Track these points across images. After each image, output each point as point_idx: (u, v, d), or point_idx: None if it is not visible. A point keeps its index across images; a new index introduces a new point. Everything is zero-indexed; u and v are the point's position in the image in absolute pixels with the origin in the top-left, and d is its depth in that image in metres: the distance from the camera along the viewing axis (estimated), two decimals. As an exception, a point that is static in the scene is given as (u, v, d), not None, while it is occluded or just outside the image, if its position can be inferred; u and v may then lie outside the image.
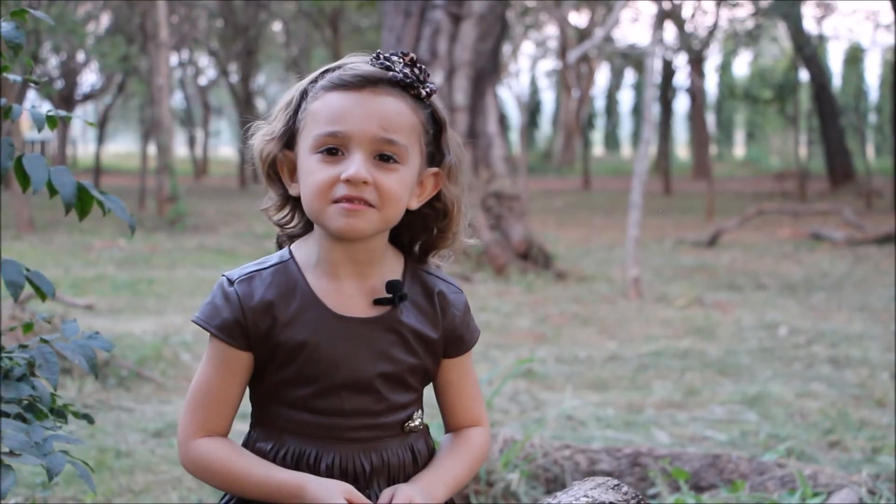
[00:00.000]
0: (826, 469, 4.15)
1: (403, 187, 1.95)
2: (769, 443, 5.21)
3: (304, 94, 1.99)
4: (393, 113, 1.94)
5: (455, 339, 2.07)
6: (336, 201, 1.91)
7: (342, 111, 1.93)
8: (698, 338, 8.25)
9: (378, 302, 1.99)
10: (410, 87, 1.97)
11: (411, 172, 1.97)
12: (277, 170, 2.03)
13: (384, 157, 1.93)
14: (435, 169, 2.02)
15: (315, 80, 1.99)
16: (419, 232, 2.06)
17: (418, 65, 1.99)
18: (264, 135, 2.02)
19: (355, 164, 1.90)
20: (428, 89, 1.99)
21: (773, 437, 5.34)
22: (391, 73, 1.96)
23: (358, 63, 1.98)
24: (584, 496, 2.15)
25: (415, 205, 2.01)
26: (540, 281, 11.46)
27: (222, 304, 1.97)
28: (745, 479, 4.07)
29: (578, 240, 16.72)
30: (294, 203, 2.05)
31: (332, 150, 1.92)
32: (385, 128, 1.92)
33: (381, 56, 1.98)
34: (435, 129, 2.01)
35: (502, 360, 7.15)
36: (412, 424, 2.03)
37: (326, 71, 2.00)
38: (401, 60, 1.98)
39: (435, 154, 2.02)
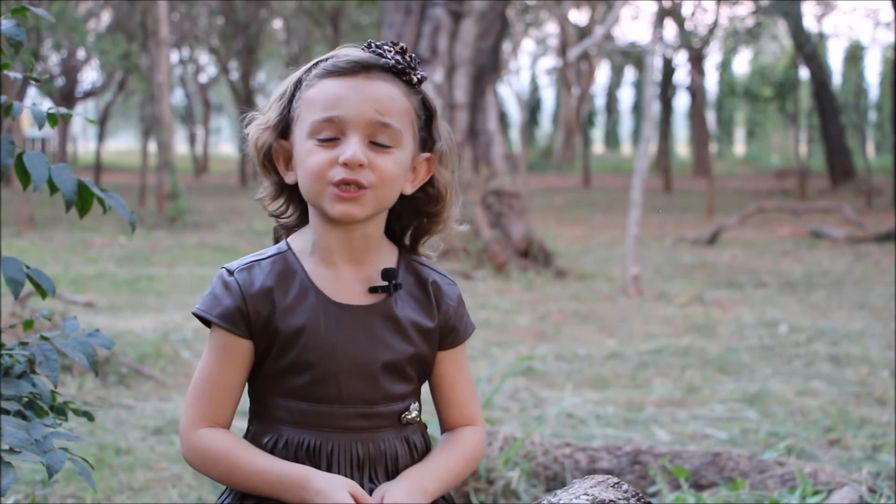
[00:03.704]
0: (826, 467, 4.15)
1: (399, 169, 1.99)
2: (769, 441, 5.21)
3: (298, 84, 2.03)
4: (386, 97, 1.98)
5: (449, 329, 2.08)
6: (333, 184, 1.95)
7: (337, 97, 1.97)
8: (698, 336, 8.25)
9: (373, 290, 2.02)
10: (402, 73, 2.01)
11: (406, 156, 2.00)
12: (273, 159, 2.06)
13: (379, 142, 1.96)
14: (427, 154, 2.05)
15: (309, 70, 2.03)
16: (411, 219, 2.09)
17: (409, 53, 2.03)
18: (259, 125, 2.06)
19: (352, 147, 1.94)
20: (419, 76, 2.03)
21: (773, 435, 5.34)
22: (384, 59, 2.00)
23: (351, 50, 2.03)
24: (585, 494, 2.15)
25: (409, 190, 2.04)
26: (540, 279, 11.46)
27: (223, 293, 1.99)
28: (745, 478, 4.06)
29: (578, 237, 16.71)
30: (289, 193, 2.09)
31: (330, 137, 1.96)
32: (380, 111, 1.96)
33: (373, 44, 2.03)
34: (426, 114, 2.05)
35: (502, 358, 7.15)
36: (409, 416, 2.05)
37: (320, 62, 2.04)
38: (391, 49, 2.02)
39: (427, 140, 2.06)
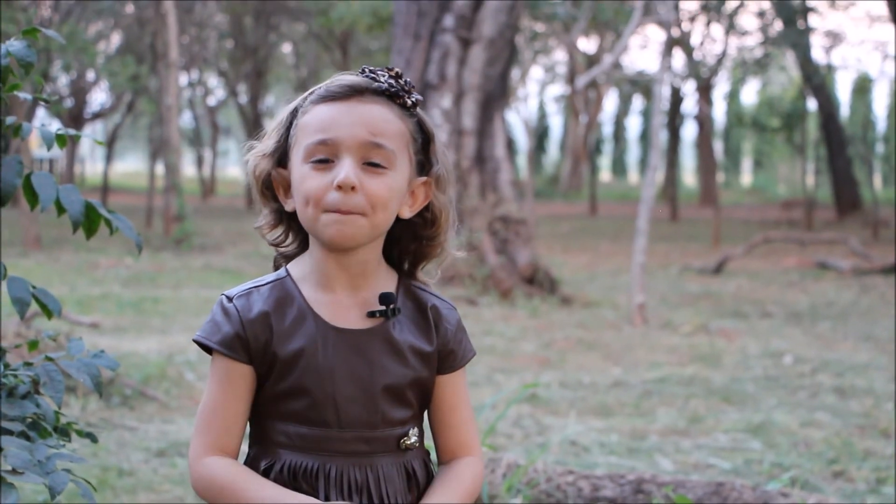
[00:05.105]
0: (830, 499, 4.14)
1: (392, 192, 1.98)
2: (773, 471, 5.19)
3: (294, 112, 2.04)
4: (379, 119, 1.98)
5: (447, 353, 2.07)
6: (328, 210, 1.94)
7: (331, 120, 1.97)
8: (703, 365, 8.23)
9: (371, 314, 2.02)
10: (396, 96, 2.01)
11: (401, 178, 2.00)
12: (272, 187, 2.06)
13: (373, 163, 1.96)
14: (425, 178, 2.05)
15: (305, 98, 2.05)
16: (408, 243, 2.09)
17: (403, 78, 2.04)
18: (257, 153, 2.07)
19: (345, 169, 1.94)
20: (413, 99, 2.03)
21: (777, 465, 5.33)
22: (377, 83, 2.00)
23: (345, 76, 2.04)
24: (587, 522, 2.15)
25: (407, 214, 2.04)
26: (545, 305, 11.46)
27: (222, 319, 2.00)
28: (748, 508, 4.05)
29: (584, 265, 16.71)
30: (288, 221, 2.09)
31: (323, 159, 1.96)
32: (372, 132, 1.97)
33: (367, 69, 2.04)
34: (423, 138, 2.05)
35: (506, 385, 7.14)
36: (408, 442, 2.04)
37: (315, 89, 2.05)
38: (385, 73, 2.03)
39: (425, 164, 2.05)
